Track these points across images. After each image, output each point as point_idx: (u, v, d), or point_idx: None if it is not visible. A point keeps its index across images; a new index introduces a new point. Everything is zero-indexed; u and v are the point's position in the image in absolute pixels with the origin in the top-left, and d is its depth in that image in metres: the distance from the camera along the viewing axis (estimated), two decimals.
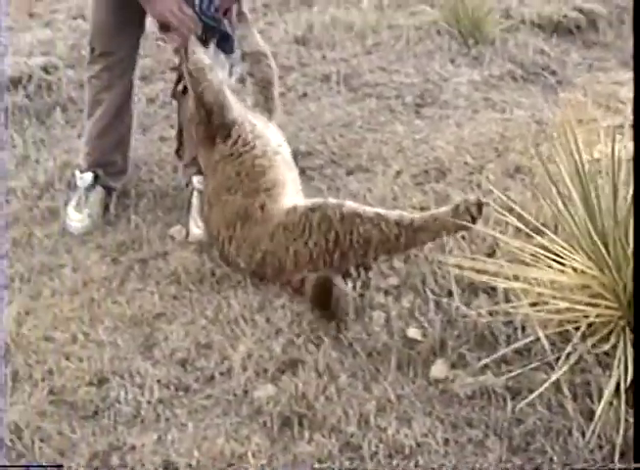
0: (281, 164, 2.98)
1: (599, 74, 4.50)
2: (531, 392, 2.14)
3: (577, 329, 2.20)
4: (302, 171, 3.55)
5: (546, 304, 2.23)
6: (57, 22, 5.55)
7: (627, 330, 2.15)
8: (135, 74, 3.42)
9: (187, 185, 3.37)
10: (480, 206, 2.73)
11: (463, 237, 2.77)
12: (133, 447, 2.20)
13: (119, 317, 2.71)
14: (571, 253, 2.32)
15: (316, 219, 2.70)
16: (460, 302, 2.48)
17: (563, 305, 2.20)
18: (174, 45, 3.08)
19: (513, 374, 2.21)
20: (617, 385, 2.07)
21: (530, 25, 5.10)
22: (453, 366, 2.33)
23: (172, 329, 2.63)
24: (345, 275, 2.67)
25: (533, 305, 2.27)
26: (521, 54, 4.69)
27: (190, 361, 2.49)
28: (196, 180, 3.27)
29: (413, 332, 2.44)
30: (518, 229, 2.58)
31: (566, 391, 2.14)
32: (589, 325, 2.21)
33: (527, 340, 2.27)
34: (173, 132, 3.55)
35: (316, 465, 2.09)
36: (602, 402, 2.04)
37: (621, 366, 2.08)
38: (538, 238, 2.45)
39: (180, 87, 3.19)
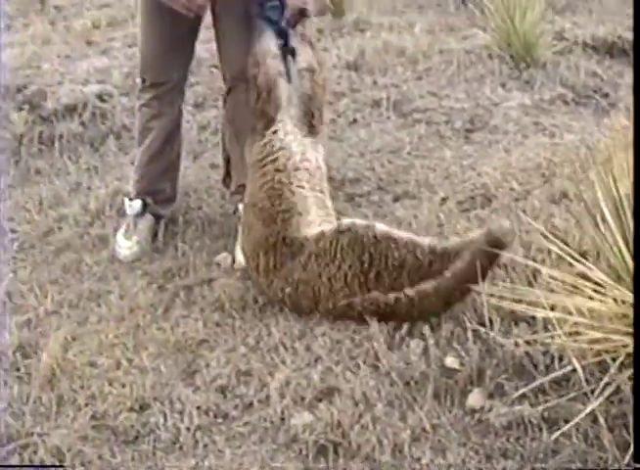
0: (302, 181, 2.95)
1: None
2: (567, 422, 2.12)
3: (615, 359, 2.17)
4: (350, 198, 3.60)
5: (583, 334, 2.20)
6: (113, 49, 5.67)
7: None
8: (184, 102, 3.49)
9: (234, 212, 3.42)
10: (510, 234, 2.68)
11: (505, 265, 2.76)
12: None
13: (163, 344, 2.76)
14: (613, 281, 2.29)
15: (346, 241, 2.69)
16: (499, 331, 2.47)
17: (600, 334, 2.17)
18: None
19: (549, 404, 2.19)
20: None
21: (584, 47, 5.06)
22: (490, 396, 2.32)
23: (214, 356, 2.66)
24: None
25: (571, 334, 2.25)
26: (572, 77, 4.66)
27: (230, 388, 2.51)
28: (242, 208, 3.31)
29: (451, 361, 2.44)
30: (559, 257, 2.56)
31: (602, 422, 2.11)
32: (628, 355, 2.19)
33: (565, 370, 2.25)
34: None
35: None
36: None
37: None
38: (580, 266, 2.43)
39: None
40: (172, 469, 2.25)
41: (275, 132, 3.01)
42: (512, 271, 2.74)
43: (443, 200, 3.46)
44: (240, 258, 3.16)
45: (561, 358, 2.31)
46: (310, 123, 3.12)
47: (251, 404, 2.44)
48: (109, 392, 2.53)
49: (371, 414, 2.30)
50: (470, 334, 2.49)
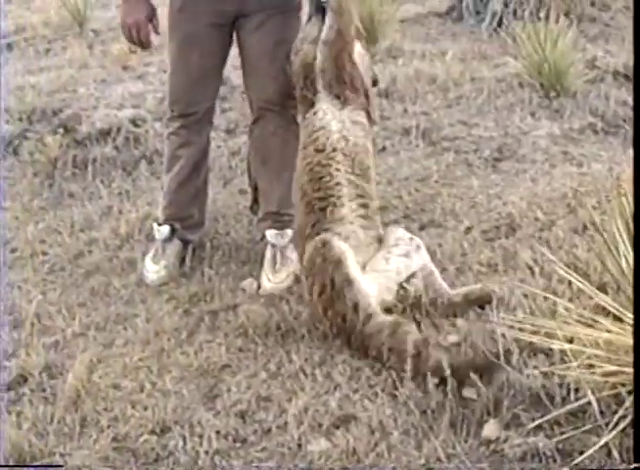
0: (339, 164, 2.99)
1: None
2: (582, 454, 2.13)
3: (631, 393, 2.18)
4: None
5: (596, 366, 2.21)
6: (148, 75, 5.77)
7: None
8: (213, 129, 3.55)
9: (261, 239, 3.47)
10: (489, 298, 2.89)
11: (525, 295, 2.78)
12: None
13: (186, 368, 2.80)
14: (631, 314, 2.30)
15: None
16: (517, 361, 2.49)
17: (614, 367, 2.18)
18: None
19: (564, 436, 2.20)
20: None
21: (615, 76, 5.07)
22: (506, 426, 2.33)
23: (235, 381, 2.70)
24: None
25: (587, 367, 2.26)
26: (603, 106, 4.66)
27: (249, 413, 2.55)
28: (269, 234, 3.36)
29: (468, 391, 2.46)
30: (579, 288, 2.58)
31: (615, 454, 2.12)
32: None
33: (581, 402, 2.26)
34: None
35: None
36: None
37: None
38: (600, 297, 2.43)
39: None
40: None
41: (315, 113, 3.05)
42: (532, 302, 2.75)
43: (468, 229, 3.49)
44: (266, 284, 3.21)
45: (577, 390, 2.31)
46: (343, 92, 3.06)
47: (269, 430, 2.47)
48: (131, 414, 2.58)
49: (387, 442, 2.33)
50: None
